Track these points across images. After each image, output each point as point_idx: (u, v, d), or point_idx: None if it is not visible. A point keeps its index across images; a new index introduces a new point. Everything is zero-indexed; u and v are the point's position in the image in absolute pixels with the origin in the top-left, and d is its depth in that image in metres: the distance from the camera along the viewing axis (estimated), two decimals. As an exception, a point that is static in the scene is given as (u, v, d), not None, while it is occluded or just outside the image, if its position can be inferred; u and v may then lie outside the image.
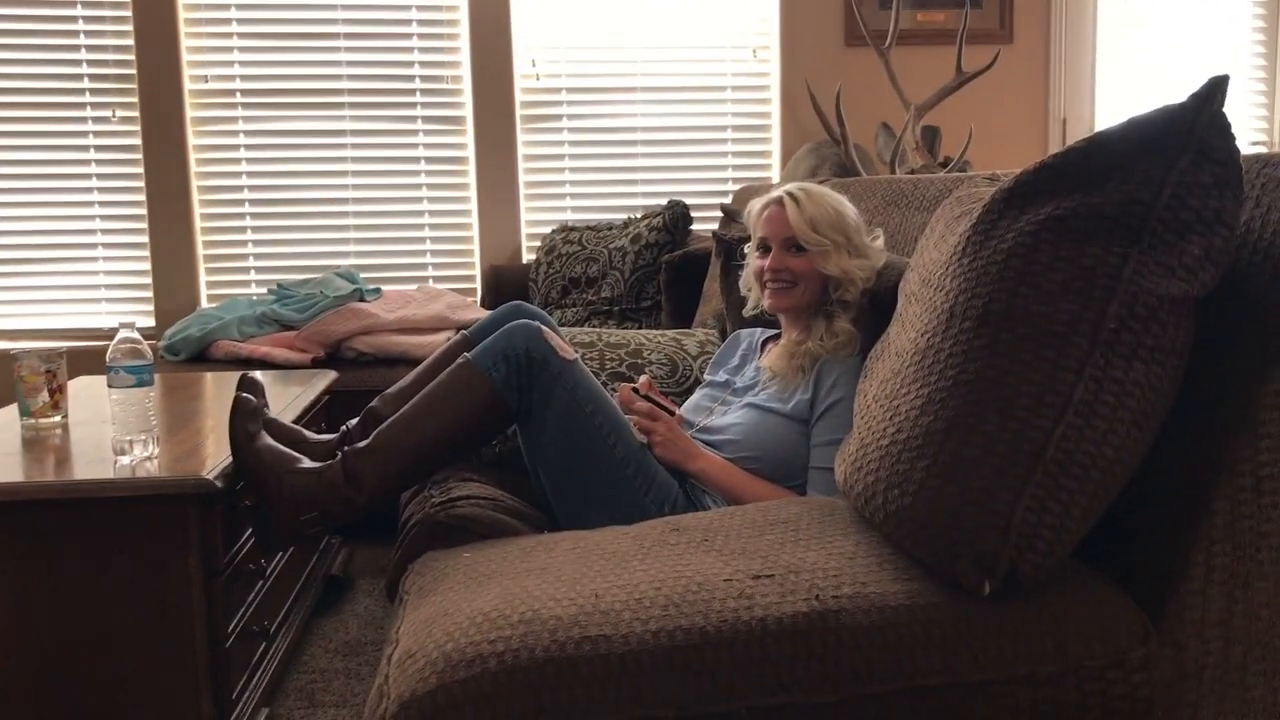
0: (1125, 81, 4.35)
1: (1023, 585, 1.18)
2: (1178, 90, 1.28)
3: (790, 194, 2.01)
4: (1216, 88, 1.23)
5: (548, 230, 4.03)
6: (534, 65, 4.11)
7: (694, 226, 3.81)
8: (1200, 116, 1.22)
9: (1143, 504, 1.27)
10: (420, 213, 4.11)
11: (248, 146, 3.99)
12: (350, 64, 4.01)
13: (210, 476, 1.75)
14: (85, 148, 3.91)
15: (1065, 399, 1.19)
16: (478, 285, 4.12)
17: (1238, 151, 1.23)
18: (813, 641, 1.14)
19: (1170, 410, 1.24)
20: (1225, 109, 1.24)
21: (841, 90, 3.63)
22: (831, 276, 1.97)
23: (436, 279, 4.14)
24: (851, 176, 3.54)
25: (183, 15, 3.89)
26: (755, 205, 2.09)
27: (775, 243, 2.02)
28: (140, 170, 3.92)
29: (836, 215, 1.99)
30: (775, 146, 4.25)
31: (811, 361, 1.96)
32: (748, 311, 2.21)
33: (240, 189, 4.01)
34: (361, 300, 3.54)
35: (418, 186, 4.10)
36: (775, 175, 4.23)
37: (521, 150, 4.13)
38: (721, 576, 1.25)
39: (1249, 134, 4.48)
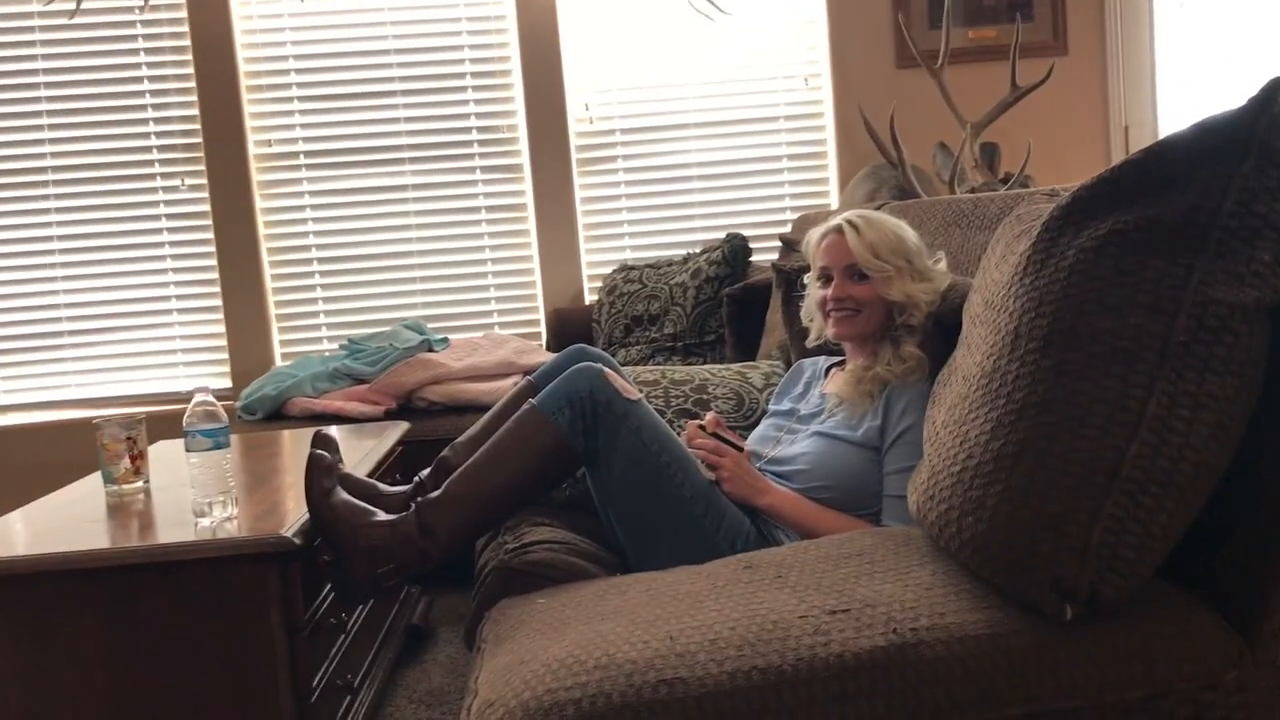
0: (1188, 84, 4.27)
1: (1105, 608, 1.15)
2: (1244, 89, 1.25)
3: (849, 221, 2.00)
4: (1275, 89, 1.20)
5: (608, 270, 4.05)
6: (587, 109, 4.16)
7: (754, 258, 3.81)
8: (1260, 119, 1.20)
9: (1230, 518, 1.24)
10: (483, 261, 4.16)
11: (313, 206, 4.08)
12: (408, 120, 4.09)
13: (289, 534, 1.77)
14: (157, 216, 4.03)
15: (1137, 416, 1.17)
16: (542, 329, 4.15)
17: (1302, 153, 1.20)
18: (892, 676, 1.13)
19: (1254, 419, 1.21)
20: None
21: (895, 112, 3.61)
22: (895, 302, 1.96)
23: (501, 325, 4.18)
24: (910, 198, 3.51)
25: (244, 82, 4.00)
26: (814, 235, 2.08)
27: (837, 271, 2.01)
28: (211, 235, 4.02)
29: (897, 240, 1.98)
30: (832, 173, 4.24)
31: (880, 387, 1.94)
32: (811, 342, 2.20)
33: (308, 248, 4.10)
34: (430, 350, 3.59)
35: (479, 235, 4.15)
36: (834, 202, 4.21)
37: (579, 193, 4.16)
38: (796, 613, 1.24)
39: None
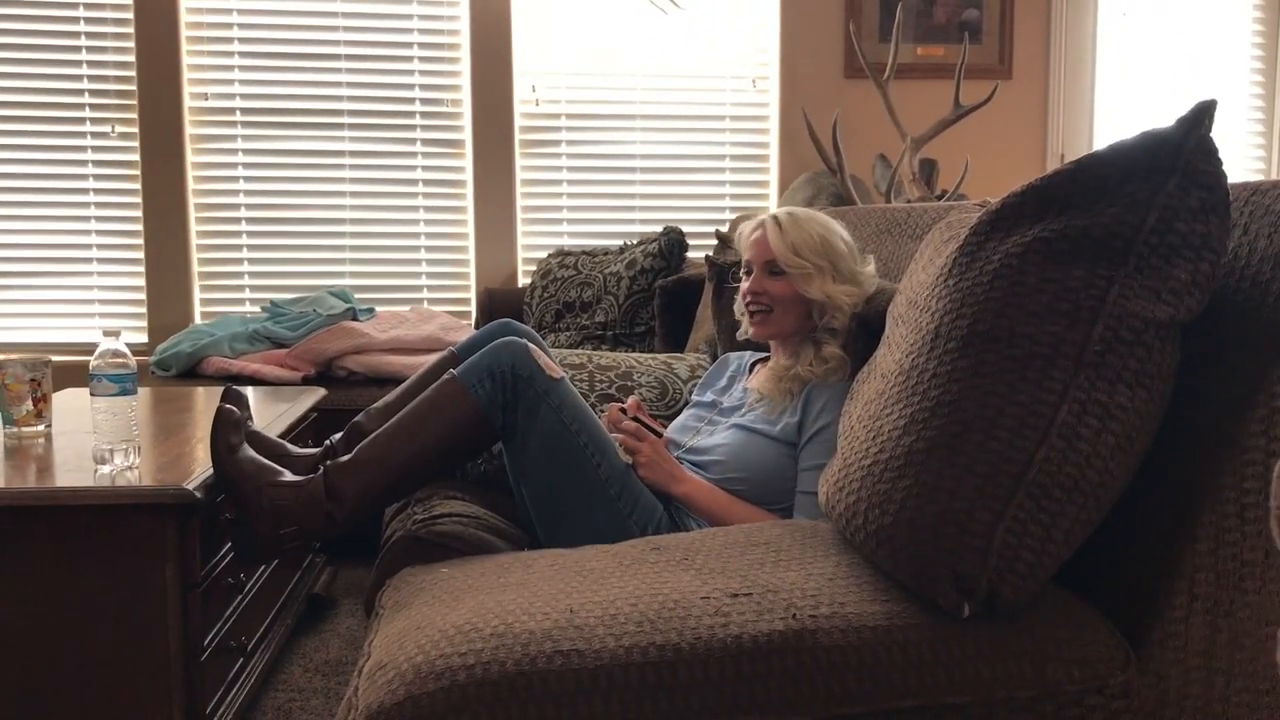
0: (1124, 117, 4.37)
1: (1002, 608, 1.16)
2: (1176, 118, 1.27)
3: (775, 217, 2.00)
4: (1204, 112, 1.22)
5: (544, 254, 4.02)
6: (534, 91, 4.13)
7: (690, 254, 3.81)
8: (1187, 140, 1.21)
9: (1126, 530, 1.26)
10: (416, 234, 4.11)
11: (246, 165, 4.00)
12: (351, 85, 4.02)
13: (190, 487, 1.73)
14: (84, 162, 3.92)
15: (1048, 421, 1.18)
16: (472, 308, 4.12)
17: (1224, 176, 1.23)
18: (787, 661, 1.13)
19: (1156, 435, 1.24)
20: (1216, 136, 1.24)
21: (838, 120, 3.64)
22: (815, 301, 1.96)
23: (431, 300, 4.13)
24: (847, 206, 3.54)
25: (185, 33, 3.90)
26: (745, 228, 2.08)
27: (757, 265, 2.01)
28: (138, 186, 3.92)
29: (820, 239, 1.97)
30: (773, 176, 4.26)
31: (800, 386, 1.95)
32: (741, 335, 2.20)
33: (237, 207, 4.01)
34: (354, 319, 3.54)
35: (415, 208, 4.10)
36: (773, 204, 4.23)
37: (519, 175, 4.13)
38: (699, 594, 1.23)
39: (1246, 168, 4.50)
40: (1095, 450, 1.18)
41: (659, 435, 1.97)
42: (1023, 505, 1.16)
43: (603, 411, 2.03)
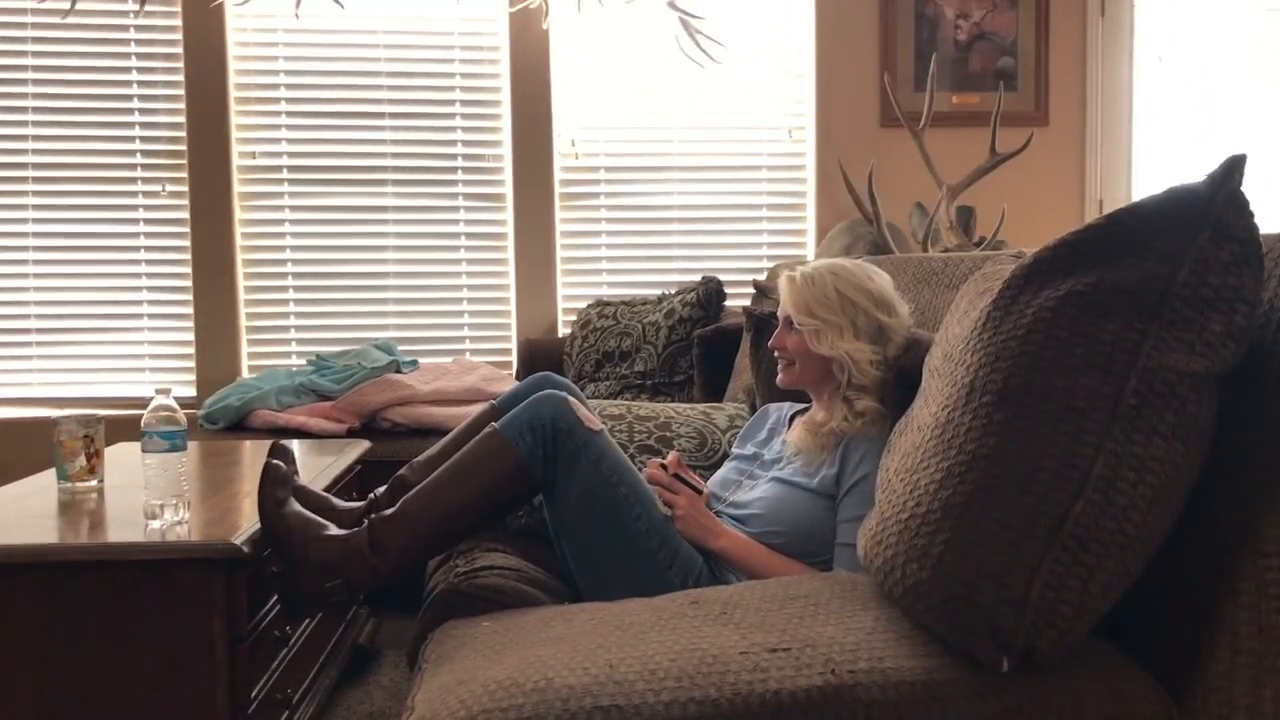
0: (1163, 162, 4.36)
1: (1041, 662, 1.16)
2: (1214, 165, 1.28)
3: (791, 275, 2.02)
4: (1233, 167, 1.24)
5: (583, 305, 4.07)
6: (573, 144, 4.19)
7: (728, 303, 3.83)
8: (1217, 195, 1.23)
9: (1166, 582, 1.25)
10: (459, 286, 4.18)
11: (292, 221, 4.09)
12: (394, 142, 4.11)
13: (238, 542, 1.76)
14: (135, 220, 4.02)
15: (1084, 474, 1.18)
16: (513, 359, 4.16)
17: (1256, 229, 1.23)
18: (825, 716, 1.13)
19: (1195, 487, 1.23)
20: (1253, 181, 1.25)
21: (874, 170, 3.66)
22: (832, 358, 1.95)
23: (473, 352, 4.18)
24: (884, 255, 3.55)
25: (233, 94, 4.01)
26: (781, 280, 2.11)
27: (781, 318, 2.04)
28: (187, 243, 4.02)
29: (838, 297, 1.96)
30: (810, 225, 4.29)
31: (836, 441, 1.94)
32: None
33: (284, 262, 4.10)
34: (398, 372, 3.59)
35: (457, 261, 4.17)
36: (810, 253, 4.26)
37: (559, 227, 4.19)
38: (738, 649, 1.24)
39: (1289, 216, 4.46)
40: (1132, 503, 1.18)
41: (699, 491, 1.97)
42: (1059, 559, 1.16)
43: (643, 463, 2.05)
